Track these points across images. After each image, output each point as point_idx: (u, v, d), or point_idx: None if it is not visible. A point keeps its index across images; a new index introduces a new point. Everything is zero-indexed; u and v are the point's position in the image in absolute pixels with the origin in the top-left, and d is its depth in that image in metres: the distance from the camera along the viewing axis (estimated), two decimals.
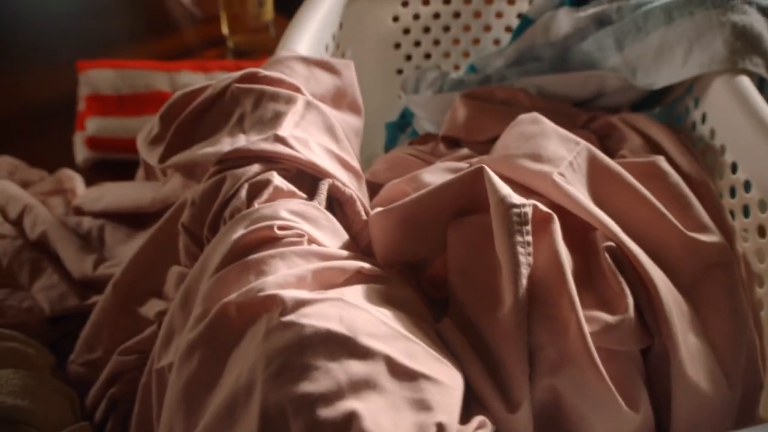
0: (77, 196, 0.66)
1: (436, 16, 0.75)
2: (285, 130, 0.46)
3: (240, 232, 0.40)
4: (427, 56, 0.77)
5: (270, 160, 0.45)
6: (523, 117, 0.52)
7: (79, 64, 0.90)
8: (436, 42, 0.77)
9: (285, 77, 0.50)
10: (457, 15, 0.75)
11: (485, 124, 0.61)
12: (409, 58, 0.77)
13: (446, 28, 0.76)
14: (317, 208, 0.43)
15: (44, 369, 0.49)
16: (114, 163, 0.80)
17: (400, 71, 0.78)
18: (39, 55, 1.01)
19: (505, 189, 0.40)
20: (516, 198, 0.40)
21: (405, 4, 0.73)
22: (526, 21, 0.68)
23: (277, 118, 0.47)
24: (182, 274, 0.45)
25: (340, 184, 0.45)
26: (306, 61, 0.55)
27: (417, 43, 0.76)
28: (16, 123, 0.87)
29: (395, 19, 0.74)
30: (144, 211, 0.56)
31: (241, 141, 0.46)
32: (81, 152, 0.81)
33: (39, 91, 0.92)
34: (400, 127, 0.78)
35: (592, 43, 0.63)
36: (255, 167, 0.44)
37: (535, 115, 0.52)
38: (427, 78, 0.70)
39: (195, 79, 0.90)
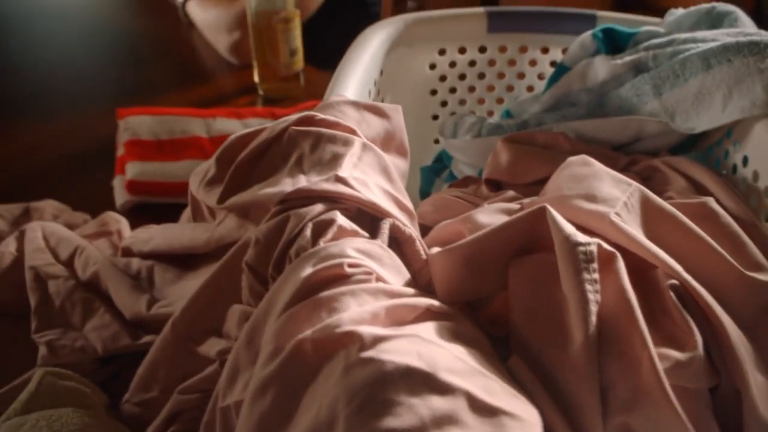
0: (123, 238, 0.67)
1: (472, 63, 0.77)
2: (345, 170, 0.47)
3: (308, 270, 0.40)
4: (462, 102, 0.79)
5: (332, 200, 0.46)
6: (573, 159, 0.53)
7: (119, 111, 0.92)
8: (471, 89, 0.79)
9: (341, 120, 0.51)
10: (492, 63, 0.77)
11: (528, 167, 0.62)
12: (444, 104, 0.79)
13: (481, 76, 0.78)
14: (381, 246, 0.44)
15: (100, 408, 0.49)
16: (152, 206, 0.82)
17: (435, 117, 0.80)
18: (79, 103, 1.04)
19: (569, 228, 0.41)
20: (581, 236, 0.40)
21: (442, 52, 0.76)
22: (562, 68, 0.70)
23: (336, 159, 0.48)
24: (245, 313, 0.46)
25: (400, 224, 0.46)
26: (357, 105, 0.56)
27: (452, 90, 0.78)
28: (57, 169, 0.89)
29: (432, 66, 0.76)
30: (196, 252, 0.57)
31: (302, 181, 0.47)
32: (120, 196, 0.82)
33: (79, 138, 0.95)
34: (435, 171, 0.79)
35: (629, 88, 0.65)
36: (318, 207, 0.45)
37: (585, 157, 0.53)
38: (466, 123, 0.71)
39: (230, 125, 0.93)
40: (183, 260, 0.60)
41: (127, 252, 0.63)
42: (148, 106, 0.94)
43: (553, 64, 0.76)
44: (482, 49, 0.76)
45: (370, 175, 0.49)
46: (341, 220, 0.44)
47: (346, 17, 1.29)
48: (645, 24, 0.71)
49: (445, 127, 0.72)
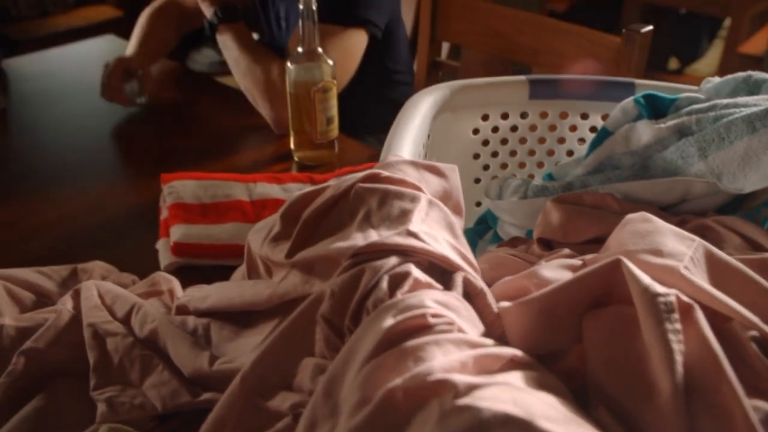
0: (176, 297, 0.68)
1: (514, 129, 0.79)
2: (415, 225, 0.48)
3: (389, 320, 0.41)
4: (504, 166, 0.81)
5: (405, 254, 0.47)
6: (633, 216, 0.54)
7: (163, 176, 0.94)
8: (513, 153, 0.81)
9: (406, 177, 0.53)
10: (533, 128, 0.79)
11: (580, 226, 0.63)
12: (486, 167, 0.81)
13: (522, 140, 0.80)
14: (457, 298, 0.44)
15: None
16: (196, 268, 0.82)
17: (477, 180, 0.82)
18: (123, 169, 1.07)
19: (647, 279, 0.42)
20: (660, 287, 0.41)
21: (485, 118, 0.78)
22: (604, 132, 0.72)
23: (405, 215, 0.50)
24: (319, 366, 0.46)
25: (471, 278, 0.47)
26: (415, 164, 0.58)
27: (494, 154, 0.80)
28: (101, 232, 0.91)
29: (475, 131, 0.79)
30: (256, 308, 0.57)
31: (374, 236, 0.48)
32: (165, 258, 0.83)
33: (123, 202, 0.97)
34: (478, 233, 0.80)
35: (674, 151, 0.67)
36: (392, 260, 0.46)
37: (645, 213, 0.54)
38: (511, 185, 0.73)
39: (270, 190, 0.95)
40: (239, 317, 0.61)
41: (183, 310, 0.63)
42: (190, 171, 0.96)
43: (593, 129, 0.79)
44: (524, 115, 0.78)
45: (437, 230, 0.51)
46: (416, 272, 0.45)
47: (369, 83, 1.32)
48: (683, 91, 0.74)
49: (490, 189, 0.74)
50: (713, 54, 2.91)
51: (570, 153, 0.81)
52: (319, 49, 1.01)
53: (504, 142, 0.80)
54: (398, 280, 0.44)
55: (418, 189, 0.53)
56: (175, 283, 0.71)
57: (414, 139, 0.66)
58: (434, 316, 0.41)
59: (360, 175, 0.54)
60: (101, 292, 0.66)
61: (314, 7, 0.97)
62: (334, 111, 1.06)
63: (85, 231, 0.91)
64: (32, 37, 2.55)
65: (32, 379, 0.58)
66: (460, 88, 0.75)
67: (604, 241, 0.54)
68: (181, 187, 0.91)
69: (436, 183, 0.58)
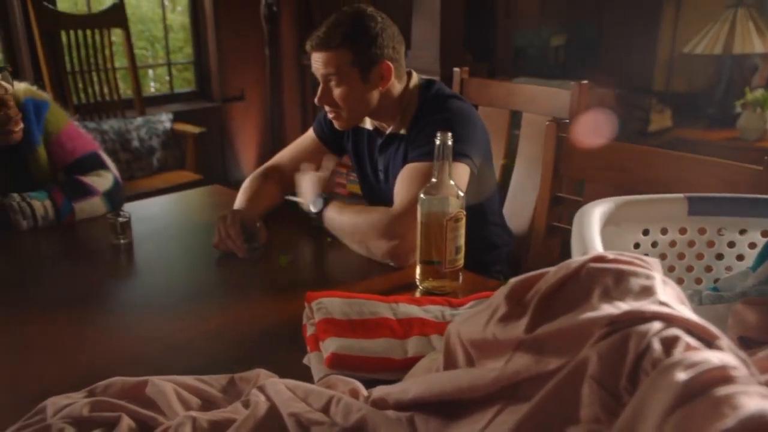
0: (361, 395, 0.67)
1: (672, 244, 0.81)
2: (663, 297, 0.49)
3: (682, 375, 0.41)
4: None
5: (664, 320, 0.47)
6: None
7: (308, 294, 0.97)
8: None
9: (636, 258, 0.54)
10: (691, 244, 0.81)
11: None
12: None
13: (681, 256, 0.82)
14: (736, 357, 0.44)
15: None
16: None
17: None
18: (276, 287, 1.13)
19: None
20: None
21: (645, 233, 0.81)
22: None
23: (647, 289, 0.51)
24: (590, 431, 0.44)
25: (733, 347, 0.47)
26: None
27: None
28: (256, 347, 0.93)
29: (636, 245, 0.81)
30: (476, 393, 0.56)
31: (624, 306, 0.49)
32: (318, 371, 0.83)
33: (273, 318, 1.00)
34: None
35: None
36: (656, 324, 0.46)
37: None
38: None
39: (412, 310, 0.96)
40: (446, 409, 0.59)
41: (380, 404, 0.62)
42: (333, 291, 0.99)
43: (752, 245, 0.80)
44: (682, 231, 0.81)
45: (677, 304, 0.51)
46: (685, 335, 0.45)
47: (467, 220, 1.38)
48: None
49: None
50: None
51: (729, 269, 0.82)
52: (451, 181, 1.07)
53: (663, 257, 0.82)
54: (670, 342, 0.45)
55: (648, 268, 0.54)
56: (358, 385, 0.70)
57: (594, 246, 0.68)
58: (733, 368, 0.40)
59: (586, 257, 0.56)
60: (289, 387, 0.66)
61: (450, 143, 1.05)
62: (462, 241, 1.09)
63: (231, 345, 0.92)
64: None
65: None
66: (623, 203, 0.78)
67: None
68: (329, 304, 0.93)
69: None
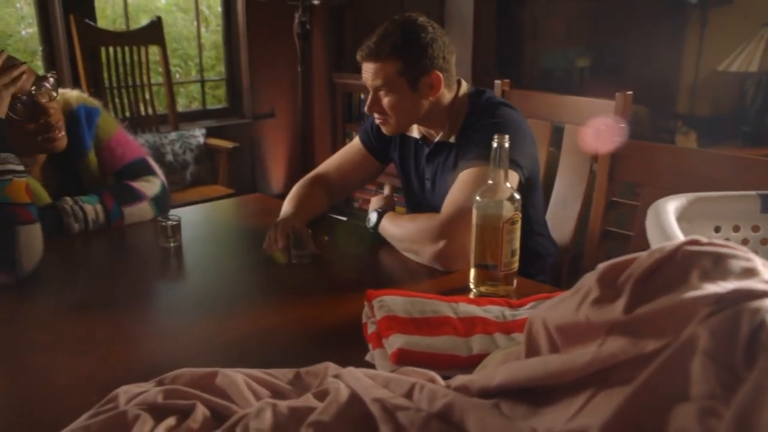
0: (438, 383, 0.66)
1: (745, 242, 0.81)
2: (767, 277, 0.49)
3: None
4: None
5: None
6: None
7: (368, 292, 0.97)
8: None
9: (731, 242, 0.54)
10: (764, 242, 0.80)
11: None
12: None
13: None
14: None
15: None
16: None
17: None
18: (327, 289, 1.14)
19: None
20: None
21: (717, 230, 0.80)
22: None
23: (750, 270, 0.50)
24: (706, 408, 0.44)
25: None
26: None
27: None
28: (312, 345, 0.93)
29: None
30: (567, 378, 0.56)
31: (728, 286, 0.48)
32: (383, 367, 0.83)
33: (328, 317, 1.01)
34: None
35: None
36: (766, 302, 0.46)
37: None
38: None
39: (473, 309, 0.95)
40: (531, 395, 0.59)
41: (464, 390, 0.62)
42: (393, 290, 0.99)
43: None
44: (755, 228, 0.80)
45: None
46: None
47: None
48: None
49: None
50: None
51: None
52: (507, 184, 1.07)
53: None
54: None
55: (744, 251, 0.53)
56: (433, 374, 0.70)
57: (679, 233, 0.68)
58: None
59: (681, 240, 0.55)
60: (369, 375, 0.66)
61: (506, 146, 1.05)
62: (518, 244, 1.09)
63: (278, 346, 0.93)
64: None
65: None
66: (696, 199, 0.78)
67: None
68: (391, 302, 0.93)
69: None
